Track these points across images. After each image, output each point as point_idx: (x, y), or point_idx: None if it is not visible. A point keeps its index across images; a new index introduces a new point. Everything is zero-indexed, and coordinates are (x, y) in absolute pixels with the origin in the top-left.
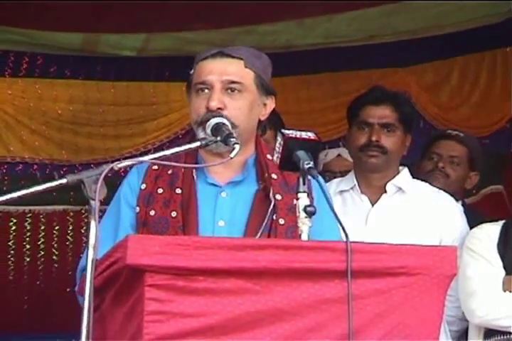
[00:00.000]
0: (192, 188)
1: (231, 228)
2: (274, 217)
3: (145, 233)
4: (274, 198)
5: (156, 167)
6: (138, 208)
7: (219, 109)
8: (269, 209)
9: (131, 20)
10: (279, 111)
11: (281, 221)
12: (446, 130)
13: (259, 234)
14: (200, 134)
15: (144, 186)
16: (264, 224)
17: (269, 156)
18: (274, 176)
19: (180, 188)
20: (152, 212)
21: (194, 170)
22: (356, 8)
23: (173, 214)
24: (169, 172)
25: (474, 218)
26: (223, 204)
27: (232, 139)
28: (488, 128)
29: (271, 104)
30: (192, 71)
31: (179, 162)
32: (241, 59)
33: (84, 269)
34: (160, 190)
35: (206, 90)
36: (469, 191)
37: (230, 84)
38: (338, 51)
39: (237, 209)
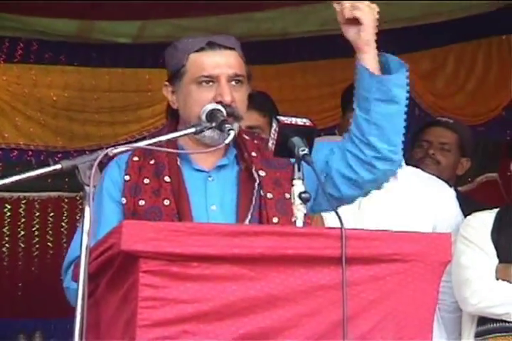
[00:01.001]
0: (180, 176)
1: (223, 211)
2: (262, 193)
3: None
4: (258, 175)
5: (136, 158)
6: (124, 199)
7: (231, 102)
8: (256, 186)
9: (127, 7)
10: (274, 98)
11: (269, 195)
12: (437, 117)
13: (250, 212)
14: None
15: (127, 177)
16: (253, 201)
17: (245, 136)
18: (253, 154)
19: (169, 176)
20: (142, 202)
21: (178, 159)
22: None
23: (166, 202)
24: (151, 162)
25: (468, 206)
26: (212, 188)
27: (227, 125)
28: (484, 116)
29: (249, 90)
30: (183, 62)
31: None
32: (233, 49)
33: (70, 265)
34: (146, 180)
35: (210, 83)
36: (464, 179)
37: (235, 77)
38: (334, 38)
39: (226, 191)
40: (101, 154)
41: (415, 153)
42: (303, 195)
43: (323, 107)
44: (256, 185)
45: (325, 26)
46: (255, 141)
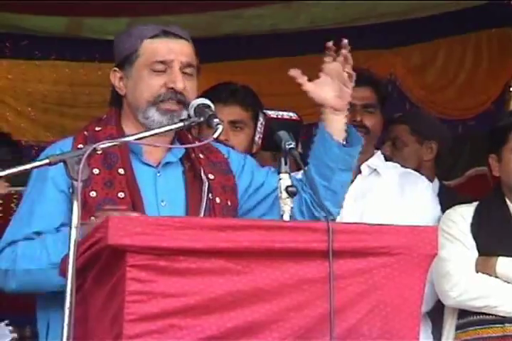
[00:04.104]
0: (131, 168)
1: (172, 208)
2: (211, 196)
3: (87, 215)
4: (207, 178)
5: (81, 146)
6: (71, 190)
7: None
8: (205, 189)
9: (114, 3)
10: (264, 93)
11: (218, 200)
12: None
13: (201, 214)
14: (153, 113)
15: None
16: (204, 203)
17: (189, 136)
18: (201, 156)
19: (123, 168)
20: (93, 193)
21: (129, 150)
22: None
23: (121, 195)
24: (99, 152)
25: (452, 199)
26: (161, 184)
27: (215, 120)
28: (474, 110)
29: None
30: (137, 47)
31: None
32: (187, 40)
33: (3, 249)
34: (96, 171)
35: (162, 68)
36: (454, 173)
37: (187, 67)
38: (324, 32)
39: (173, 189)
40: (89, 149)
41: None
42: (289, 189)
43: (313, 102)
44: (205, 187)
45: (315, 23)
46: (197, 142)
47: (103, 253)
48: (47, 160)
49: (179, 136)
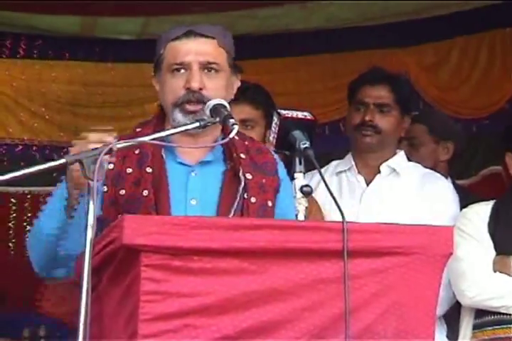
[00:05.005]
0: (162, 167)
1: (203, 206)
2: (246, 196)
3: (114, 212)
4: (245, 177)
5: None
6: (106, 187)
7: (200, 89)
8: (240, 188)
9: (128, 3)
10: (279, 91)
11: (253, 199)
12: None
13: (232, 213)
14: (178, 115)
15: (111, 166)
16: (236, 202)
17: (235, 137)
18: (242, 156)
19: (151, 167)
20: (122, 192)
21: (163, 150)
22: None
23: (145, 192)
24: (136, 152)
25: (466, 198)
26: (194, 183)
27: (231, 120)
28: (488, 109)
29: (237, 82)
30: (161, 51)
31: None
32: (213, 38)
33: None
34: (129, 170)
35: (182, 70)
36: (469, 172)
37: (208, 65)
38: (338, 32)
39: (208, 188)
40: (105, 149)
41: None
42: (304, 189)
43: (328, 100)
44: (241, 187)
45: (329, 23)
46: (246, 143)
47: (118, 252)
48: (63, 160)
49: (225, 136)
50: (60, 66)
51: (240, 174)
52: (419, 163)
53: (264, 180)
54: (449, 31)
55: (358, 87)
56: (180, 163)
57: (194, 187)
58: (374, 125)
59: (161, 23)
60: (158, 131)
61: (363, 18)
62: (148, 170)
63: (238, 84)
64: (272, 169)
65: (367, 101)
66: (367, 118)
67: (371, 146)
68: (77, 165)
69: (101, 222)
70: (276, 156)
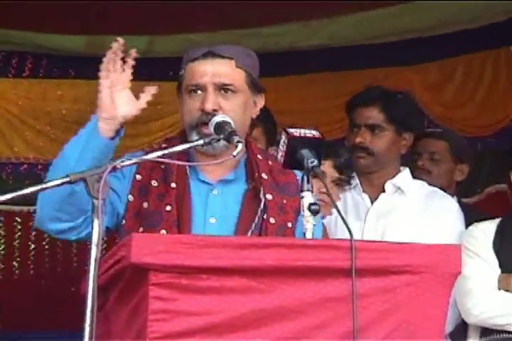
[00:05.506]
0: (186, 184)
1: (222, 225)
2: (265, 216)
3: (137, 224)
4: (265, 198)
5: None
6: (132, 197)
7: (214, 110)
8: (260, 209)
9: (135, 22)
10: (283, 110)
11: (272, 220)
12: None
13: (249, 233)
14: (194, 137)
15: (139, 177)
16: (254, 222)
17: (259, 156)
18: (264, 176)
19: (175, 183)
20: (145, 204)
21: (187, 167)
22: (362, 10)
23: (168, 208)
24: (162, 166)
25: (471, 216)
26: (214, 201)
27: (235, 137)
28: (493, 127)
29: (261, 101)
30: (182, 72)
31: (172, 159)
32: (231, 59)
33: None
34: (154, 183)
35: (199, 92)
36: (474, 190)
37: (223, 86)
38: (342, 50)
39: (228, 207)
40: (109, 167)
41: (411, 166)
42: (312, 207)
43: (332, 119)
44: (260, 207)
45: (333, 41)
46: (269, 162)
47: (126, 271)
48: (68, 178)
49: (249, 155)
50: (66, 84)
51: (261, 194)
52: (434, 179)
53: (284, 201)
54: (453, 49)
55: (352, 108)
56: (202, 181)
57: (214, 205)
58: (365, 147)
59: (166, 41)
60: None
61: (366, 36)
62: (173, 185)
63: (262, 103)
64: (294, 190)
65: (358, 123)
66: (357, 140)
67: (366, 168)
68: (106, 93)
69: (124, 232)
70: (299, 177)
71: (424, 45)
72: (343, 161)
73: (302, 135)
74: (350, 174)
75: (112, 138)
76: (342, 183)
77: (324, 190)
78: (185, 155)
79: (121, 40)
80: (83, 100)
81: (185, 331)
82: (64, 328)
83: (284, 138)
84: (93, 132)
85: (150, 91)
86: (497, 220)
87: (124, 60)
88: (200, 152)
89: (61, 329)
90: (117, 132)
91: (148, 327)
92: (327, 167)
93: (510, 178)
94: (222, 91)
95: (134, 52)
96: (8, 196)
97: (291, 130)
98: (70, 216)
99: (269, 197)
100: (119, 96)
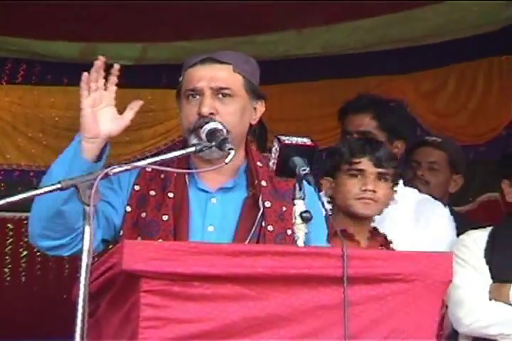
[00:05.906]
0: (184, 193)
1: (220, 234)
2: (263, 224)
3: (135, 234)
4: (263, 205)
5: (149, 169)
6: (129, 208)
7: (211, 114)
8: (258, 216)
9: (129, 29)
10: (276, 118)
11: (270, 228)
12: (425, 137)
13: (247, 240)
14: (193, 141)
15: (137, 187)
16: (252, 230)
17: (259, 163)
18: (263, 183)
19: (173, 192)
20: (143, 214)
21: (186, 176)
22: (356, 18)
23: (165, 217)
24: (162, 176)
25: (463, 225)
26: (213, 210)
27: (227, 144)
28: (485, 136)
29: (261, 107)
30: (181, 78)
31: (171, 167)
32: (229, 64)
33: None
34: (152, 193)
35: (197, 96)
36: (466, 198)
37: (220, 90)
38: (336, 58)
39: (227, 215)
40: (101, 174)
41: (406, 173)
42: (304, 215)
43: (325, 127)
44: (259, 214)
45: (327, 49)
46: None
47: (117, 278)
48: (59, 185)
49: (249, 163)
50: (59, 91)
51: (259, 201)
52: (430, 189)
53: (284, 208)
54: (446, 58)
55: (343, 115)
56: (201, 189)
57: (212, 214)
58: None
59: (160, 49)
60: (186, 157)
61: (360, 44)
62: (170, 195)
63: (262, 109)
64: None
65: (350, 130)
66: None
67: None
68: (88, 113)
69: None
70: (310, 184)
71: (417, 53)
72: (381, 155)
73: (294, 143)
74: (394, 165)
75: (98, 158)
76: (389, 178)
77: (370, 187)
78: (184, 162)
79: (102, 58)
80: (76, 107)
81: (177, 338)
82: (55, 335)
83: (276, 145)
84: (76, 153)
85: (133, 109)
86: (489, 229)
87: (106, 78)
88: (198, 158)
89: (52, 336)
90: (102, 150)
91: (139, 334)
92: (365, 164)
93: (502, 187)
94: (220, 96)
95: (116, 68)
96: (0, 202)
97: (283, 138)
98: (59, 234)
99: (267, 204)
100: (102, 113)
